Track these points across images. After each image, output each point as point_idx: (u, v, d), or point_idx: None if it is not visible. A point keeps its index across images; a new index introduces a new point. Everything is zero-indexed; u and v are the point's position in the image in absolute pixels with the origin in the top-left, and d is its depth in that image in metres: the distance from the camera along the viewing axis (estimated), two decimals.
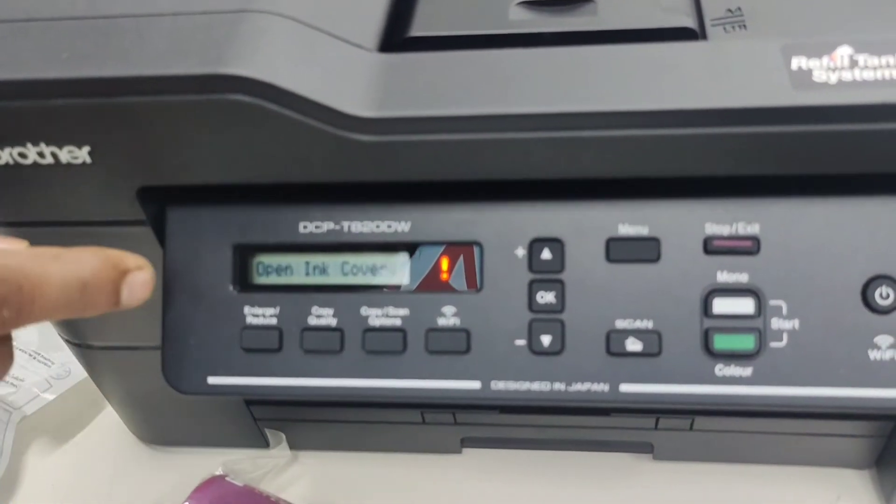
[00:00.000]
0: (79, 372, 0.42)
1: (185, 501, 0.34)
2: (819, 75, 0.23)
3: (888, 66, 0.22)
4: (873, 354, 0.25)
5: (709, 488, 0.35)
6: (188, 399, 0.35)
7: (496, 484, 0.37)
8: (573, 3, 0.28)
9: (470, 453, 0.38)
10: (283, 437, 0.37)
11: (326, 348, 0.27)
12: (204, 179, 0.27)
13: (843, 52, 0.23)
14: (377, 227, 0.27)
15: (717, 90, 0.23)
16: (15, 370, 0.41)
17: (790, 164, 0.24)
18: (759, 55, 0.24)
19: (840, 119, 0.22)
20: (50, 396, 0.41)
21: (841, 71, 0.23)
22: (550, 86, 0.24)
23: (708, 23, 0.27)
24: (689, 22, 0.26)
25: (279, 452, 0.37)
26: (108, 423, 0.41)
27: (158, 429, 0.39)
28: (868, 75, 0.22)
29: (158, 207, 0.28)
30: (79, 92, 0.24)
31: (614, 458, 0.37)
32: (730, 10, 0.28)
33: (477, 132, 0.24)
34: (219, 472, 0.35)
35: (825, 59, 0.23)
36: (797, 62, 0.23)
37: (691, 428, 0.34)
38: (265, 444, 0.38)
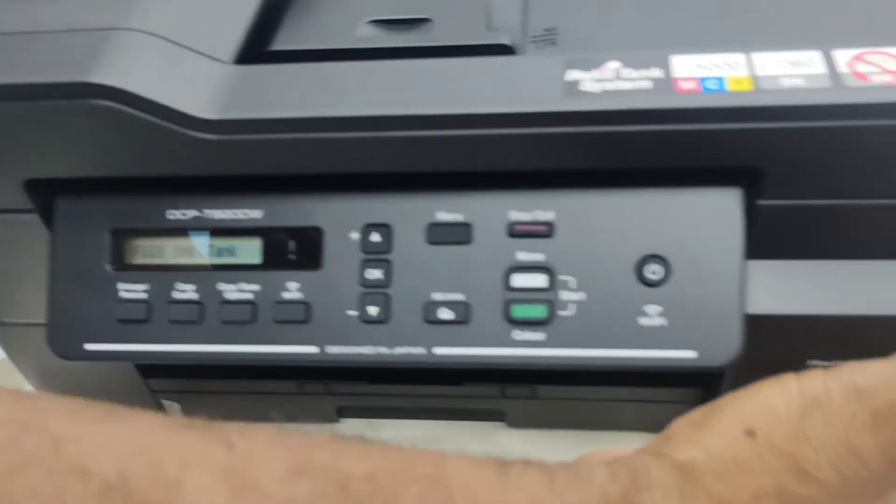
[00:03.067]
0: None
1: None
2: (586, 85, 0.27)
3: (645, 77, 0.27)
4: (643, 321, 0.29)
5: (555, 451, 0.40)
6: (90, 372, 0.39)
7: None
8: (413, 22, 0.33)
9: (347, 422, 0.42)
10: (178, 406, 0.41)
11: (188, 319, 0.31)
12: (83, 173, 0.31)
13: (612, 65, 0.28)
14: (234, 214, 0.31)
15: (504, 97, 0.27)
16: None
17: (574, 160, 0.28)
18: (545, 68, 0.28)
19: (603, 122, 0.27)
20: None
21: (606, 82, 0.27)
22: (371, 93, 0.28)
23: (527, 40, 0.32)
24: (507, 39, 0.31)
25: None
26: None
27: None
28: (627, 85, 0.27)
29: (45, 197, 0.32)
30: None
31: (474, 426, 0.41)
32: (546, 30, 0.32)
33: (304, 132, 0.28)
34: None
35: (595, 72, 0.27)
36: (571, 74, 0.27)
37: (534, 396, 0.38)
38: None
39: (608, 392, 0.38)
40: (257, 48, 0.32)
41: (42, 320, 0.37)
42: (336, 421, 0.42)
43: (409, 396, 0.40)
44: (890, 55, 0.26)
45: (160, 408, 0.41)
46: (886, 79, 0.25)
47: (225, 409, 0.42)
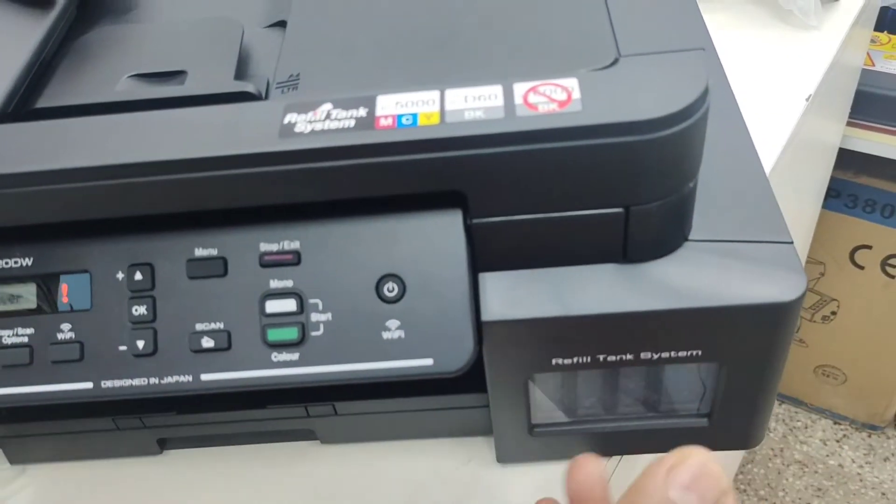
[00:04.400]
0: None
1: None
2: (300, 126, 0.30)
3: (351, 117, 0.30)
4: (385, 335, 0.32)
5: (368, 463, 0.42)
6: None
7: (194, 479, 0.42)
8: (170, 74, 0.35)
9: (172, 454, 0.44)
10: (1, 451, 0.42)
11: None
12: None
13: (325, 107, 0.31)
14: (5, 263, 0.33)
15: (229, 141, 0.30)
16: None
17: (299, 194, 0.31)
18: (269, 112, 0.31)
19: (310, 159, 0.30)
20: None
21: (317, 122, 0.30)
22: (110, 143, 0.31)
23: (273, 85, 0.35)
24: (251, 88, 0.34)
25: None
26: None
27: None
28: (334, 125, 0.30)
29: None
30: None
31: (292, 446, 0.43)
32: (291, 76, 0.35)
33: (44, 184, 0.30)
34: None
35: (309, 114, 0.30)
36: (289, 117, 0.30)
37: (336, 413, 0.41)
38: None
39: (403, 403, 0.40)
40: (23, 107, 0.34)
41: None
42: (159, 453, 0.43)
43: (222, 423, 0.42)
44: (558, 86, 0.30)
45: None
46: (552, 107, 0.29)
47: (48, 451, 0.44)
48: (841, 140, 0.99)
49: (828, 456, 1.33)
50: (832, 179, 1.06)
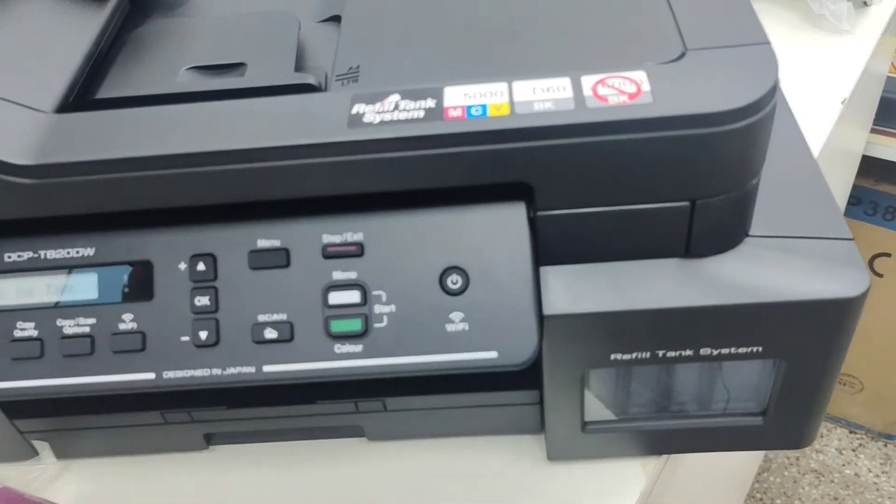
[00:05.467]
0: None
1: None
2: (368, 117, 0.30)
3: (420, 108, 0.30)
4: (450, 327, 0.32)
5: (416, 460, 0.42)
6: None
7: (240, 474, 0.42)
8: (229, 66, 0.35)
9: (217, 449, 0.43)
10: (48, 446, 0.42)
11: (29, 355, 0.33)
12: None
13: (392, 98, 0.31)
14: (67, 253, 0.33)
15: (298, 131, 0.30)
16: None
17: (368, 184, 0.31)
18: (335, 104, 0.31)
19: (380, 149, 0.30)
20: None
21: (385, 113, 0.30)
22: (179, 133, 0.31)
23: (333, 78, 0.35)
24: (312, 79, 0.34)
25: (45, 460, 0.42)
26: None
27: None
28: (403, 115, 0.30)
29: None
30: None
31: (338, 443, 0.43)
32: (350, 68, 0.35)
33: (119, 172, 0.30)
34: None
35: (377, 105, 0.31)
36: (357, 108, 0.31)
37: (385, 409, 0.40)
38: (34, 454, 0.43)
39: (454, 399, 0.40)
40: (83, 98, 0.34)
41: None
42: (205, 448, 0.43)
43: (271, 419, 0.42)
44: (627, 78, 0.30)
45: (30, 448, 0.42)
46: (622, 99, 0.29)
47: (96, 446, 0.43)
48: (863, 147, 1.00)
49: (844, 465, 1.32)
50: (853, 187, 1.06)
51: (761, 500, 1.27)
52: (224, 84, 0.34)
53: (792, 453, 1.34)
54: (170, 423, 0.41)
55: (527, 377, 0.39)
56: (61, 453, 0.43)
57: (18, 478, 0.42)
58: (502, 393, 0.39)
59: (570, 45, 0.34)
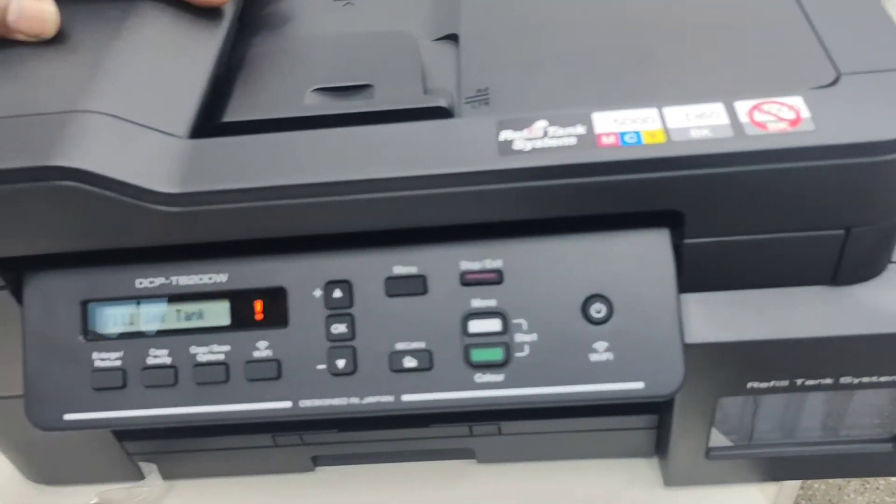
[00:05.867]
0: None
1: None
2: (518, 144, 0.29)
3: (570, 134, 0.30)
4: (593, 357, 0.31)
5: (526, 483, 0.41)
6: (66, 440, 0.40)
7: (347, 496, 0.42)
8: (356, 88, 0.35)
9: (323, 471, 0.43)
10: (155, 467, 0.42)
11: (163, 383, 0.33)
12: (50, 249, 0.32)
13: (540, 125, 0.30)
14: (200, 279, 0.33)
15: (442, 159, 0.30)
16: None
17: (512, 212, 0.30)
18: (479, 130, 0.30)
19: (535, 177, 0.29)
20: None
21: (535, 140, 0.30)
22: (323, 160, 0.30)
23: (462, 101, 0.34)
24: (444, 102, 0.33)
25: (152, 482, 0.42)
26: (1, 468, 0.45)
27: (45, 469, 0.44)
28: (553, 143, 0.29)
29: (15, 274, 0.33)
30: None
31: (446, 465, 0.42)
32: (479, 90, 0.34)
33: (259, 201, 0.30)
34: (93, 502, 0.40)
35: (525, 131, 0.30)
36: (504, 134, 0.30)
37: (500, 432, 0.40)
38: (140, 476, 0.43)
39: (570, 424, 0.39)
40: (210, 121, 0.34)
41: (13, 393, 0.38)
42: (312, 470, 0.43)
43: (380, 441, 0.41)
44: (784, 104, 0.29)
45: (137, 470, 0.42)
46: (782, 126, 0.28)
47: (202, 467, 0.43)
48: None
49: None
50: None
51: None
52: (354, 107, 0.34)
53: None
54: (279, 446, 0.41)
55: (647, 402, 0.38)
56: (168, 474, 0.43)
57: (126, 500, 0.41)
58: (621, 417, 0.39)
59: (708, 69, 0.33)
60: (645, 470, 0.41)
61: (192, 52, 0.36)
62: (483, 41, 0.37)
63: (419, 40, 0.38)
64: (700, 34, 0.35)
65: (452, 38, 0.39)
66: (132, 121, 0.31)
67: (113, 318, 0.33)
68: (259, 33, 0.40)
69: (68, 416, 0.33)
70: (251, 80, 0.36)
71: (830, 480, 1.31)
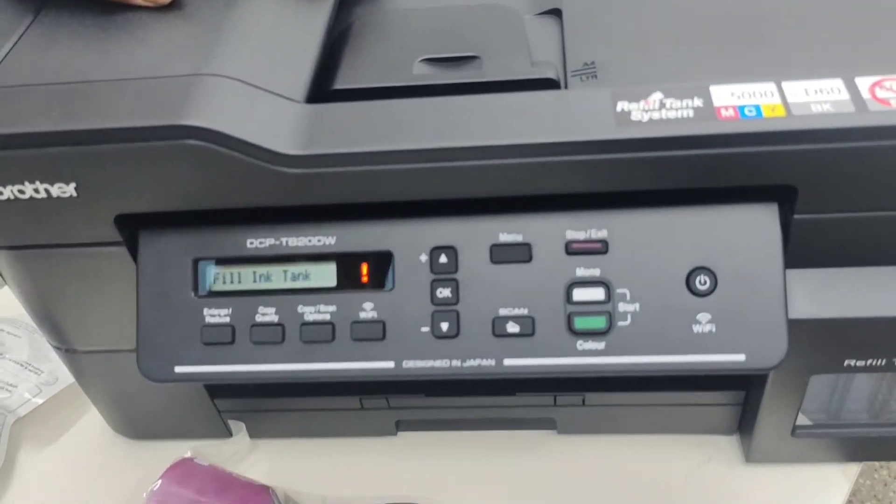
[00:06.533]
0: (65, 379, 0.48)
1: (159, 479, 0.39)
2: (636, 115, 0.30)
3: (687, 107, 0.30)
4: (696, 328, 0.32)
5: (605, 456, 0.42)
6: (160, 394, 0.42)
7: (428, 461, 0.43)
8: (463, 59, 0.35)
9: (404, 436, 0.44)
10: (244, 426, 0.43)
11: (270, 340, 0.34)
12: (168, 207, 0.33)
13: (656, 96, 0.30)
14: (309, 241, 0.34)
15: (559, 128, 0.30)
16: (8, 378, 0.47)
17: (625, 182, 0.31)
18: (595, 101, 0.31)
19: (653, 148, 0.29)
20: (40, 401, 0.47)
21: (652, 111, 0.30)
22: (438, 127, 0.31)
23: (569, 74, 0.34)
24: (552, 74, 0.34)
25: (240, 440, 0.43)
26: (92, 422, 0.46)
27: (136, 424, 0.45)
28: (671, 115, 0.30)
29: (132, 231, 0.35)
30: (65, 141, 0.30)
31: (525, 435, 0.43)
32: (586, 64, 0.35)
33: (378, 164, 0.31)
34: (187, 454, 0.41)
35: (642, 103, 0.30)
36: (621, 105, 0.30)
37: (584, 403, 0.41)
38: (228, 434, 0.44)
39: (655, 397, 0.40)
40: (322, 87, 0.35)
41: (119, 347, 0.39)
42: (394, 434, 0.44)
43: (464, 408, 0.42)
44: None
45: (225, 427, 0.43)
46: None
47: (287, 427, 0.44)
48: None
49: None
50: None
51: (851, 502, 1.25)
52: (462, 77, 0.34)
53: None
54: (366, 409, 0.42)
55: (736, 378, 0.39)
56: (255, 433, 0.44)
57: (214, 456, 0.43)
58: (708, 392, 0.39)
59: (822, 45, 0.33)
60: (725, 446, 0.42)
61: (304, 21, 0.37)
62: (587, 15, 0.38)
63: (522, 14, 0.39)
64: (813, 8, 0.34)
65: (555, 12, 0.39)
66: (255, 84, 0.32)
67: (223, 277, 0.34)
68: (360, 4, 0.41)
69: (179, 369, 0.34)
70: (359, 49, 0.37)
71: (876, 476, 1.29)
